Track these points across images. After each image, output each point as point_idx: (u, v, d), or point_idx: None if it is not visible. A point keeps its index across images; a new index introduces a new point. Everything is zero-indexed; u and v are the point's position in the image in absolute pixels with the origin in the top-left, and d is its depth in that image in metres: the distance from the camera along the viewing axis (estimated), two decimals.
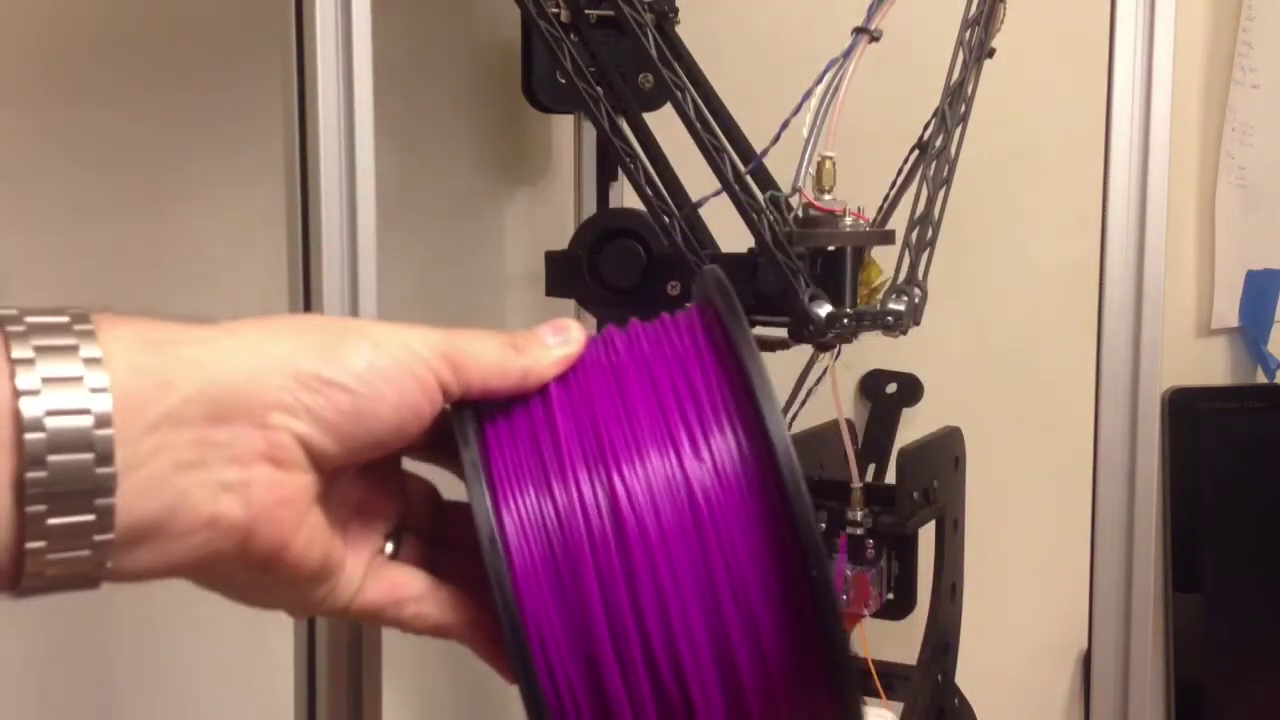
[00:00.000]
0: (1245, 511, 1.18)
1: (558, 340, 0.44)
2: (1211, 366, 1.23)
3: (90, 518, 0.34)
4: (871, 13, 0.63)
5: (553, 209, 0.97)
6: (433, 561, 0.47)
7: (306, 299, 0.58)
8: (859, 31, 0.63)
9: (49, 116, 0.75)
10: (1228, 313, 1.22)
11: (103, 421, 0.34)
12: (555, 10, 0.68)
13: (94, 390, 0.34)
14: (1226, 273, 1.21)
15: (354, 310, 0.58)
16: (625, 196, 0.85)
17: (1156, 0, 0.59)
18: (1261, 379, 1.24)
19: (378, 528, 0.46)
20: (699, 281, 0.47)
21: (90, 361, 0.35)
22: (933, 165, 0.63)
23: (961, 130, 0.64)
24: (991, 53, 0.66)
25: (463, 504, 0.44)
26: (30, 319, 0.35)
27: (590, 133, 0.89)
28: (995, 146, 0.94)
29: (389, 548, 0.46)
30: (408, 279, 0.89)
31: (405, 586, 0.45)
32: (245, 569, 0.39)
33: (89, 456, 0.34)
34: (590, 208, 0.90)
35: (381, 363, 0.40)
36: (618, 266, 0.72)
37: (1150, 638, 0.59)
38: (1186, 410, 1.16)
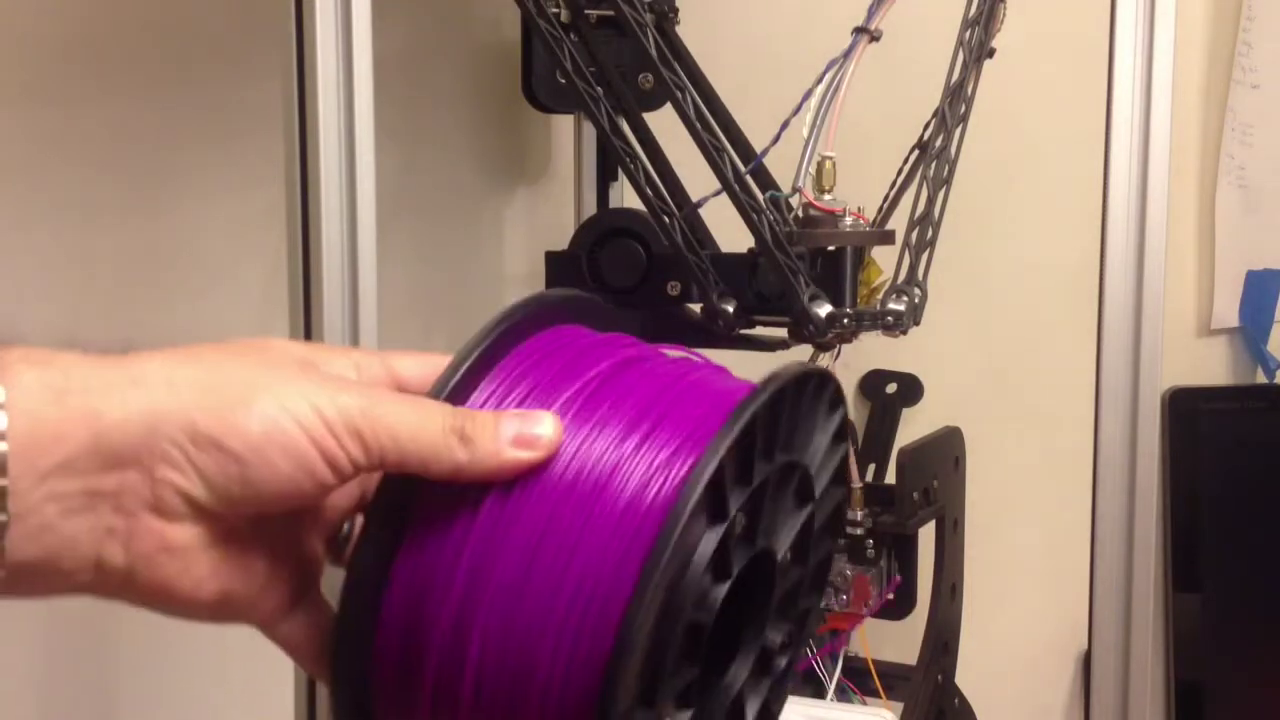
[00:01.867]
0: (1245, 511, 1.18)
1: (521, 440, 0.39)
2: (1211, 366, 1.23)
3: None
4: (871, 13, 0.63)
5: (553, 209, 0.97)
6: None
7: (306, 299, 0.58)
8: (859, 31, 0.63)
9: (49, 117, 0.75)
10: (1228, 313, 1.22)
11: None
12: (555, 10, 0.68)
13: None
14: (1226, 273, 1.21)
15: (354, 311, 0.58)
16: (625, 196, 0.85)
17: (1156, 0, 0.59)
18: (1261, 379, 1.24)
19: (304, 557, 0.44)
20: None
21: None
22: (933, 165, 0.63)
23: (961, 130, 0.64)
24: (991, 53, 0.66)
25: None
26: None
27: (590, 133, 0.89)
28: (995, 146, 0.94)
29: (345, 528, 0.44)
30: (408, 279, 0.89)
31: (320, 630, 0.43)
32: (137, 600, 0.40)
33: None
34: (590, 208, 0.90)
35: (280, 430, 0.37)
36: (618, 266, 0.72)
37: (1150, 638, 0.59)
38: (1186, 410, 1.16)
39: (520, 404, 0.40)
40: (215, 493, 0.38)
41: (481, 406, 0.40)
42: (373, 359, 0.43)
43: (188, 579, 0.39)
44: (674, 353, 0.45)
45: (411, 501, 0.39)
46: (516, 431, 0.39)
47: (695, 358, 0.45)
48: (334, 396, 0.38)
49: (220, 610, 0.41)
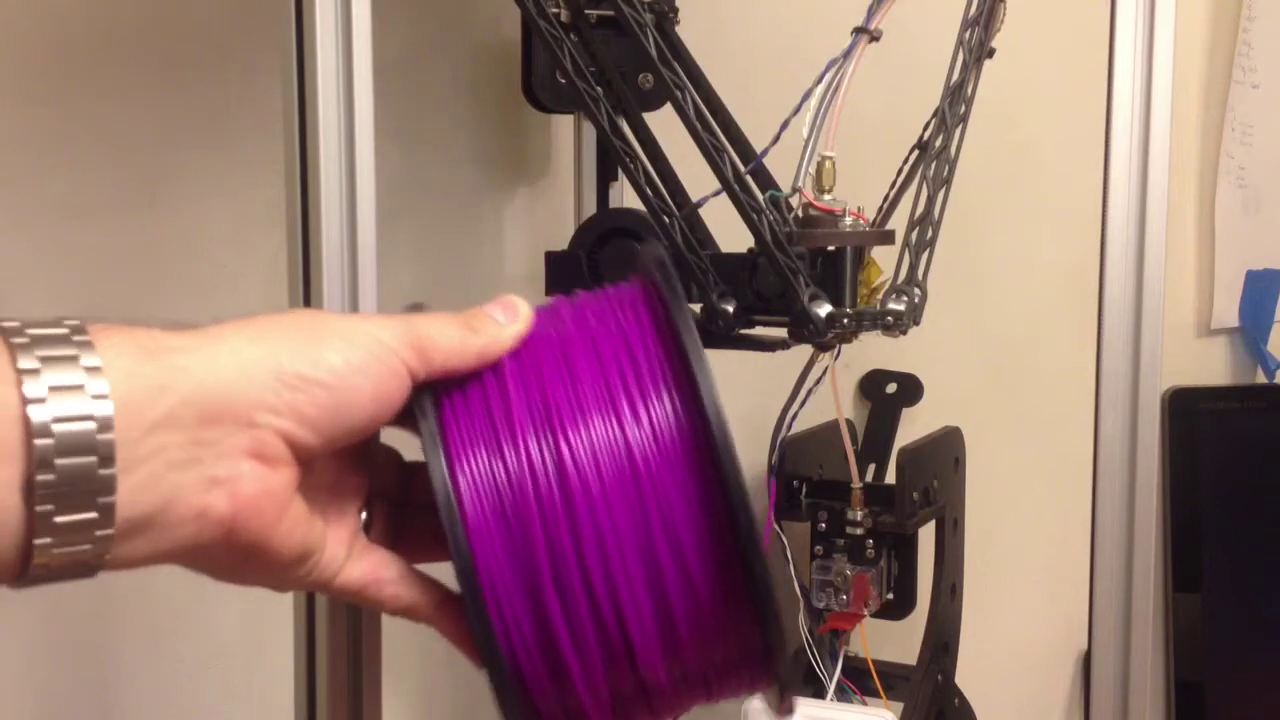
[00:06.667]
0: (1245, 511, 1.18)
1: (508, 318, 0.47)
2: (1211, 366, 1.23)
3: (93, 515, 0.37)
4: (871, 13, 0.63)
5: (553, 209, 0.97)
6: (400, 519, 0.51)
7: (306, 299, 0.58)
8: (859, 31, 0.63)
9: (48, 117, 0.75)
10: (1228, 313, 1.22)
11: (104, 426, 0.37)
12: (555, 10, 0.68)
13: (96, 397, 0.37)
14: (1226, 273, 1.21)
15: (353, 311, 0.58)
16: (625, 196, 0.85)
17: (1156, 0, 0.59)
18: (1261, 379, 1.24)
19: (352, 504, 0.48)
20: (641, 257, 0.51)
21: (91, 370, 0.37)
22: (933, 165, 0.63)
23: (961, 130, 0.64)
24: (991, 53, 0.66)
25: (425, 464, 0.47)
26: (32, 331, 0.38)
27: (590, 133, 0.89)
28: (995, 146, 0.94)
29: (363, 516, 0.49)
30: (408, 279, 0.89)
31: (383, 569, 0.48)
32: (229, 554, 0.42)
33: (93, 459, 0.36)
34: (590, 208, 0.90)
35: (356, 357, 0.43)
36: (618, 266, 0.73)
37: (1150, 638, 0.59)
38: (1186, 410, 1.16)
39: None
40: (311, 426, 0.42)
41: None
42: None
43: (283, 526, 0.42)
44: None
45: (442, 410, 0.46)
46: (500, 309, 0.48)
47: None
48: (384, 324, 0.44)
49: (296, 564, 0.44)
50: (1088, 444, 0.60)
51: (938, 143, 0.63)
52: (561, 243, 0.75)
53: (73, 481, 0.36)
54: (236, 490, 0.40)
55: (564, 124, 0.94)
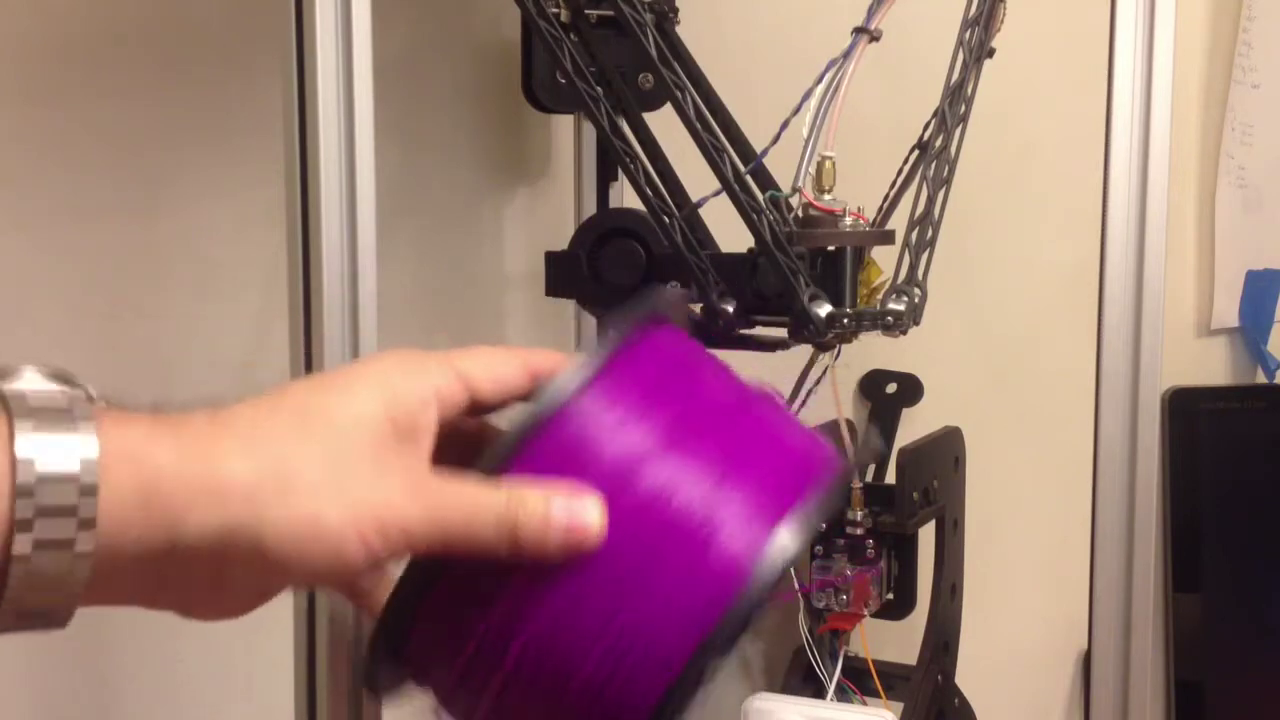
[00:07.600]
0: (1245, 511, 1.18)
1: (571, 538, 0.40)
2: (1211, 366, 1.23)
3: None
4: (871, 13, 0.63)
5: (553, 209, 0.97)
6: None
7: (306, 299, 0.58)
8: (859, 31, 0.63)
9: (47, 118, 0.75)
10: (1228, 313, 1.22)
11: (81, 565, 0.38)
12: (555, 10, 0.68)
13: (82, 527, 0.37)
14: (1226, 273, 1.21)
15: (354, 311, 0.58)
16: (625, 196, 0.85)
17: (1156, 0, 0.59)
18: (1261, 379, 1.24)
19: None
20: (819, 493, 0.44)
21: (85, 490, 0.37)
22: (933, 165, 0.63)
23: (961, 130, 0.64)
24: (991, 53, 0.66)
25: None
26: (33, 394, 0.38)
27: (590, 133, 0.89)
28: (995, 146, 0.94)
29: None
30: (408, 279, 0.89)
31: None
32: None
33: (60, 597, 0.39)
34: (590, 208, 0.90)
35: (345, 546, 0.40)
36: (618, 266, 0.72)
37: (1150, 638, 0.59)
38: (1186, 410, 1.16)
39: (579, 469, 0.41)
40: (274, 591, 0.43)
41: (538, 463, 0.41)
42: (450, 376, 0.43)
43: (242, 604, 0.44)
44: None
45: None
46: (566, 526, 0.39)
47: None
48: (397, 509, 0.40)
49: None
50: (1088, 444, 0.60)
51: (938, 143, 0.63)
52: (561, 243, 0.75)
53: (41, 585, 0.38)
54: (189, 604, 0.43)
55: (564, 124, 0.94)
